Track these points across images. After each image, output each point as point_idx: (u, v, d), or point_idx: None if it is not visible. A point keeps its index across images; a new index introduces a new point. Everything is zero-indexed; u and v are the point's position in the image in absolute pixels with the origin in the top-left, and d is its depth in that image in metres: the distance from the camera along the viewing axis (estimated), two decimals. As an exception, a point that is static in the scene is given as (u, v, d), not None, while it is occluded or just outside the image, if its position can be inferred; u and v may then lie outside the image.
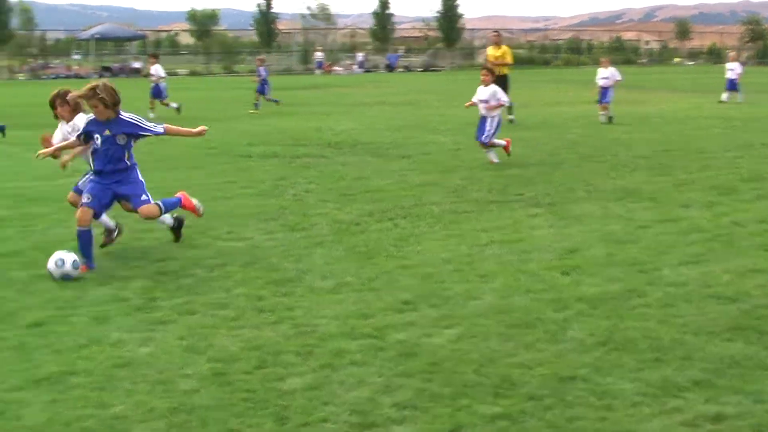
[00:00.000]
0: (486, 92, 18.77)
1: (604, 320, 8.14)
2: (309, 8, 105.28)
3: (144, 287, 9.34)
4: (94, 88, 10.15)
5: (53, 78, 76.94)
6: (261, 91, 36.55)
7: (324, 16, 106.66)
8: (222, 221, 12.75)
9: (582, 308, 8.50)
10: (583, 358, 7.15)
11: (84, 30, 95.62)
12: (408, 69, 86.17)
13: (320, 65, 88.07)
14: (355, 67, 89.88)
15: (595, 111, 29.12)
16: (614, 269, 9.94)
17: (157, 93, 33.53)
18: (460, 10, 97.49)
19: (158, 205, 10.59)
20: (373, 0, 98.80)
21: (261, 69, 36.96)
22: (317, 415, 6.12)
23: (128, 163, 10.49)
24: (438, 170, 17.61)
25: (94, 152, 10.40)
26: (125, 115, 10.41)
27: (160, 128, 10.69)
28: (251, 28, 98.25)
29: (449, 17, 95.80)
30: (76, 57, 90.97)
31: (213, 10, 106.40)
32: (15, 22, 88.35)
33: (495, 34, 30.97)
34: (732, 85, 37.83)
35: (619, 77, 29.11)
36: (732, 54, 44.12)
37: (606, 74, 29.07)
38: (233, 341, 7.65)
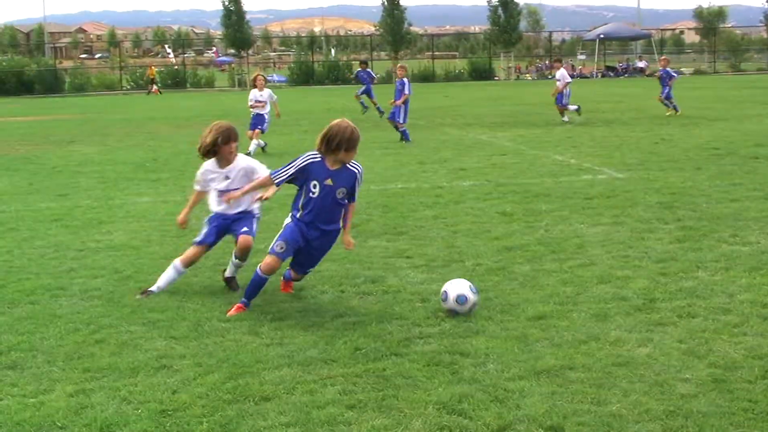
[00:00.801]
0: None
1: None
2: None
3: (644, 287, 9.29)
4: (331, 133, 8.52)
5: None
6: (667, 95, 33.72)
7: None
8: (726, 224, 12.39)
9: None
10: None
11: (589, 30, 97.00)
12: None
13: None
14: None
15: None
16: None
17: (560, 99, 31.86)
18: None
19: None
20: None
21: (668, 70, 34.37)
22: (824, 433, 5.79)
23: (341, 224, 8.96)
24: None
25: (308, 202, 8.67)
26: (354, 163, 8.75)
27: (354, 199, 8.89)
28: (761, 24, 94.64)
29: None
30: (581, 57, 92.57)
31: (721, 7, 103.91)
32: (523, 24, 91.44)
33: None
34: None
35: None
36: None
37: None
38: (735, 348, 7.41)
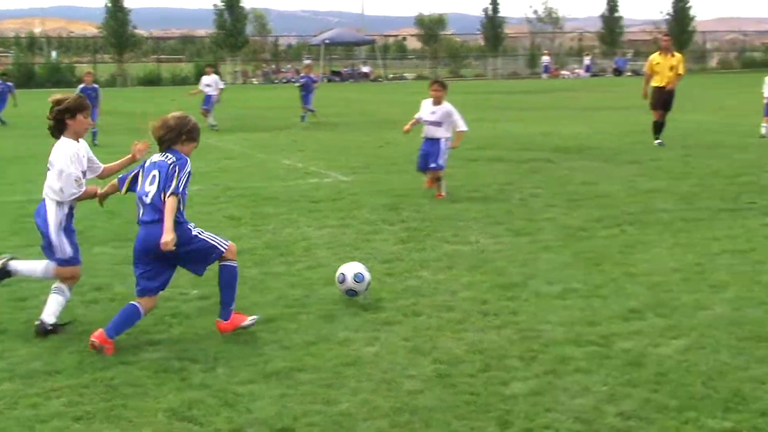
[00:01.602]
0: (438, 112, 15.28)
1: (844, 336, 7.77)
2: (536, 12, 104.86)
3: (371, 288, 9.48)
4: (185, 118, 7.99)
5: (284, 82, 79.24)
6: (307, 101, 33.37)
7: (551, 19, 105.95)
8: (448, 224, 12.82)
9: (821, 322, 8.14)
10: (822, 375, 6.85)
11: (315, 35, 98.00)
12: (637, 73, 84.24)
13: (547, 69, 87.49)
14: (581, 71, 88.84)
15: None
16: None
17: (207, 103, 30.81)
18: (691, 12, 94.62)
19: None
20: (602, 3, 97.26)
21: (308, 76, 34.38)
22: (540, 422, 6.08)
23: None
24: (668, 176, 17.19)
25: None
26: None
27: None
28: (478, 32, 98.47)
29: (680, 19, 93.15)
30: (307, 62, 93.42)
31: (441, 15, 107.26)
32: (250, 28, 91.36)
33: (665, 38, 24.99)
34: None
35: None
36: None
37: None
38: (458, 344, 7.68)
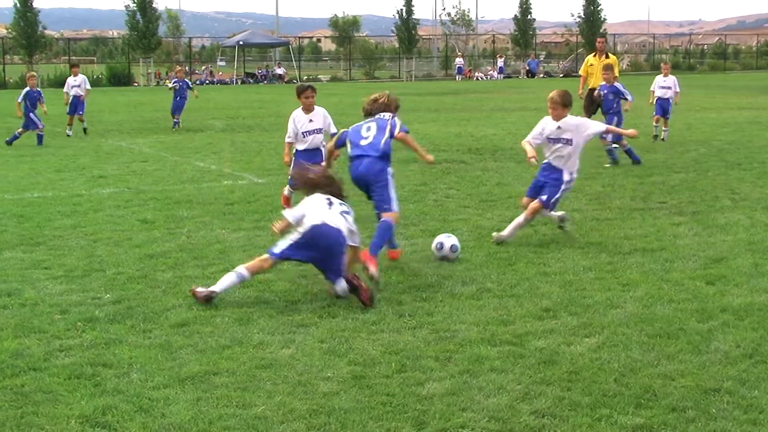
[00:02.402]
0: (316, 119, 14.09)
1: (750, 332, 7.95)
2: (449, 14, 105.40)
3: (285, 290, 9.46)
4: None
5: (198, 84, 78.73)
6: (179, 108, 30.92)
7: (464, 22, 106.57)
8: (363, 226, 12.78)
9: (727, 319, 8.32)
10: (727, 370, 7.00)
11: (229, 37, 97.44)
12: (549, 75, 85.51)
13: (461, 71, 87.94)
14: (495, 72, 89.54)
15: (742, 117, 28.30)
16: (761, 279, 9.70)
17: (81, 108, 28.55)
18: (602, 15, 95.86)
19: None
20: (514, 5, 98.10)
21: (180, 80, 32.10)
22: (455, 421, 6.13)
23: None
24: (579, 177, 17.37)
25: None
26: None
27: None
28: (393, 34, 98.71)
29: (591, 22, 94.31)
30: (221, 63, 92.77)
31: (355, 17, 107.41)
32: (163, 30, 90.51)
33: (600, 40, 25.88)
34: None
35: (678, 89, 24.22)
36: None
37: (667, 83, 24.35)
38: (373, 345, 7.70)
